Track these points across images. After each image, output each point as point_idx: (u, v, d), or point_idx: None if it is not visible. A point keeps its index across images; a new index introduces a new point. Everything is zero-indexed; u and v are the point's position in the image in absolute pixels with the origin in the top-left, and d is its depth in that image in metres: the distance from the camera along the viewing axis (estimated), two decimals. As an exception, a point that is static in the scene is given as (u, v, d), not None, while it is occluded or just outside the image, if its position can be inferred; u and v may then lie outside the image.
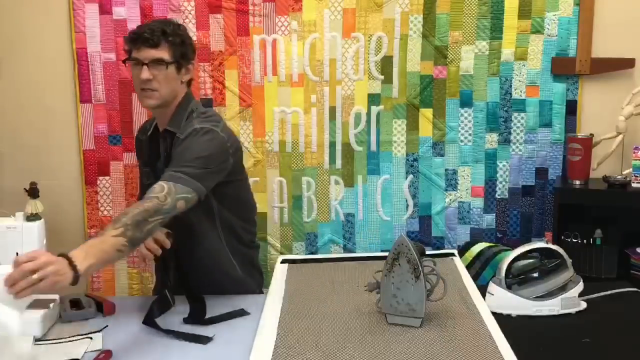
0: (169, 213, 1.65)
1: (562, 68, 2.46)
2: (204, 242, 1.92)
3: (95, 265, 1.50)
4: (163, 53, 1.81)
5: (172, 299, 1.77)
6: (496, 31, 2.45)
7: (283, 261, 2.21)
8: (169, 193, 1.66)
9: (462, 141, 2.53)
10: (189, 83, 1.95)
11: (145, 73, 1.80)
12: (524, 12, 2.44)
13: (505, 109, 2.50)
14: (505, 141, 2.52)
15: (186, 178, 1.71)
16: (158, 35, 1.80)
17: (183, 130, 1.84)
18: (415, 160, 2.54)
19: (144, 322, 1.69)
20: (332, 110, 2.51)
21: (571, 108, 2.49)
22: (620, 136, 2.38)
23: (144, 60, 1.80)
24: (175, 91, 1.87)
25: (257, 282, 2.11)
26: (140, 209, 1.60)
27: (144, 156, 2.02)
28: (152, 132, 1.96)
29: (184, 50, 1.86)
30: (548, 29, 2.44)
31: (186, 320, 1.72)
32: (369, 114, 2.51)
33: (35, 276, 1.34)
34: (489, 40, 2.46)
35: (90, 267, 1.47)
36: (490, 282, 1.82)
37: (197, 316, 1.73)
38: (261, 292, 2.07)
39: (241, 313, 1.77)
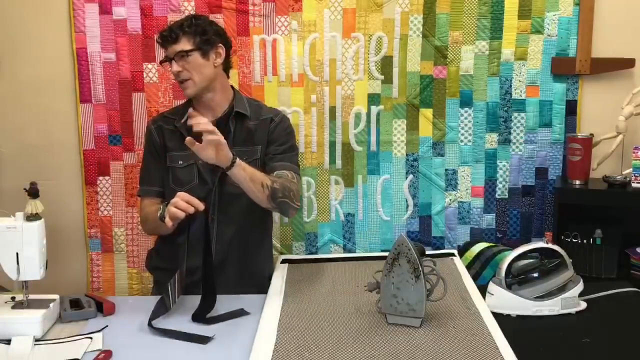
0: (296, 199, 1.96)
1: (562, 68, 2.45)
2: (268, 225, 2.23)
3: (245, 169, 1.82)
4: (184, 45, 1.96)
5: (180, 285, 1.80)
6: (496, 31, 2.45)
7: (283, 261, 2.21)
8: (297, 182, 2.02)
9: (462, 141, 2.53)
10: (226, 69, 2.09)
11: (174, 66, 1.97)
12: (524, 12, 2.44)
13: (505, 109, 2.50)
14: (505, 141, 2.52)
15: (298, 171, 2.06)
16: (176, 30, 1.97)
17: (256, 113, 2.08)
18: (415, 160, 2.54)
19: (149, 324, 1.70)
20: (332, 110, 2.51)
21: (571, 108, 2.49)
22: (620, 136, 2.38)
23: (170, 56, 1.97)
24: (208, 76, 2.00)
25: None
26: (286, 183, 1.93)
27: (169, 144, 2.07)
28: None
29: (205, 37, 1.98)
30: (548, 29, 2.44)
31: (195, 317, 1.72)
32: (369, 114, 2.51)
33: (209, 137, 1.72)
34: (489, 40, 2.46)
35: (242, 165, 1.82)
36: (490, 282, 1.82)
37: (206, 310, 1.74)
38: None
39: (241, 313, 1.77)
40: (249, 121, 2.06)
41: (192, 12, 2.45)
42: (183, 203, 1.73)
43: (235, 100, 2.09)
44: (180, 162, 2.05)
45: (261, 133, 2.06)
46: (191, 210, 1.73)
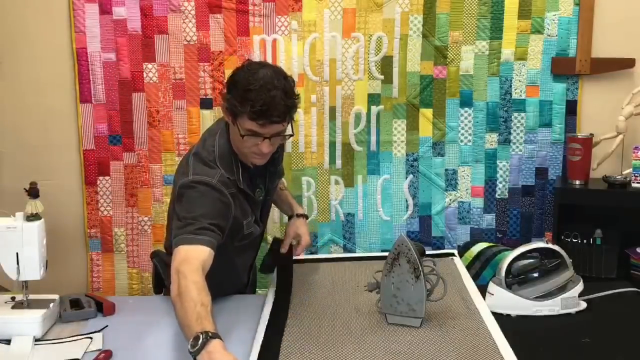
0: None
1: (562, 68, 2.46)
2: None
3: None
4: (284, 125, 1.69)
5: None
6: (496, 31, 2.45)
7: (283, 261, 2.21)
8: None
9: (462, 141, 2.53)
10: None
11: (268, 147, 1.69)
12: (524, 12, 2.44)
13: (505, 109, 2.50)
14: (505, 141, 2.52)
15: None
16: (285, 114, 1.66)
17: None
18: (415, 160, 2.54)
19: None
20: (332, 110, 2.51)
21: (571, 108, 2.49)
22: (620, 136, 2.38)
23: (265, 135, 1.66)
24: None
25: None
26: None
27: (237, 210, 1.76)
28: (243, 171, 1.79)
29: (294, 112, 1.73)
30: (548, 29, 2.44)
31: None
32: (369, 114, 2.51)
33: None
34: (489, 40, 2.46)
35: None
36: (490, 282, 1.82)
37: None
38: None
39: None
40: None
41: (192, 12, 2.45)
42: None
43: None
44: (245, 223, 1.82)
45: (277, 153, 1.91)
46: None
